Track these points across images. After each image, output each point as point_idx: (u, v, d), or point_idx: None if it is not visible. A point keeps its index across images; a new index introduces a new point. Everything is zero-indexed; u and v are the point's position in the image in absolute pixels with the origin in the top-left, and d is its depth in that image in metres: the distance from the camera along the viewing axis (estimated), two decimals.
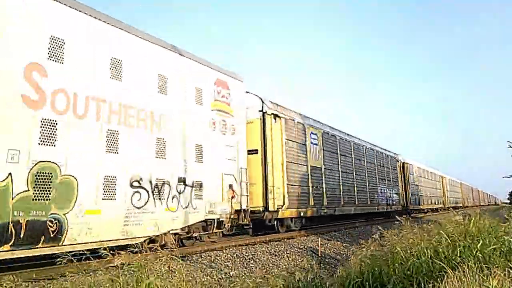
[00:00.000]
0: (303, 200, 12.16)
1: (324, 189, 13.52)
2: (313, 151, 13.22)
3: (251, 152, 10.74)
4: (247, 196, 9.45)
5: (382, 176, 20.22)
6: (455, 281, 3.62)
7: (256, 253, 8.49)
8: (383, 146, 22.15)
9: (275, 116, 11.35)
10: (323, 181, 13.57)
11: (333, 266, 8.25)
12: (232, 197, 8.82)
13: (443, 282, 3.64)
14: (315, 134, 13.62)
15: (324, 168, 13.84)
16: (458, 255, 4.74)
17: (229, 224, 8.76)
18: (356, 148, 17.27)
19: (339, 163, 15.21)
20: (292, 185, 11.58)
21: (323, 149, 14.05)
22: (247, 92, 11.14)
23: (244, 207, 9.26)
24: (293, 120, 12.33)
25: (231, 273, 6.29)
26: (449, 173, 46.69)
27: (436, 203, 33.52)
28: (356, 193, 16.28)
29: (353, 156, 16.71)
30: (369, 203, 17.63)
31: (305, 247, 9.99)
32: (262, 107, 10.91)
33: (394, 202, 21.53)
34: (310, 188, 12.57)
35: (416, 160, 29.34)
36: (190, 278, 4.69)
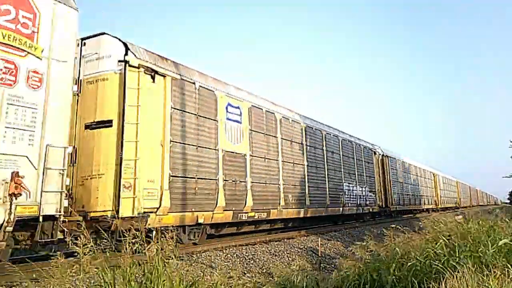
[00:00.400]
0: (207, 200, 8.31)
1: (250, 184, 9.65)
2: (230, 130, 9.35)
3: (101, 124, 6.89)
4: (62, 193, 5.56)
5: (351, 170, 16.35)
6: (454, 281, 3.58)
7: (256, 253, 8.46)
8: (366, 138, 18.33)
9: (154, 72, 7.50)
10: (248, 173, 9.70)
11: (333, 266, 8.07)
12: (14, 195, 4.95)
13: (443, 283, 3.60)
14: (237, 107, 9.75)
15: (252, 156, 9.97)
16: (457, 255, 4.66)
17: (4, 243, 4.87)
18: (311, 133, 13.40)
19: (280, 150, 11.34)
20: (181, 177, 7.72)
21: (252, 130, 10.17)
22: (105, 34, 7.30)
23: (51, 212, 5.39)
24: (193, 82, 8.47)
25: (230, 273, 6.00)
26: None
27: (427, 203, 29.68)
28: (307, 191, 12.40)
29: (305, 142, 12.83)
30: (328, 203, 13.75)
31: (305, 247, 9.92)
32: (125, 56, 7.06)
33: (368, 203, 17.67)
34: (221, 182, 8.70)
35: (401, 154, 25.52)
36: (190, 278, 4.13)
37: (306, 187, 12.40)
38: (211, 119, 8.82)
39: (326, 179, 13.86)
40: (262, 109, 10.81)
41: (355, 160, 16.86)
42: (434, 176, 34.03)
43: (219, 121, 9.03)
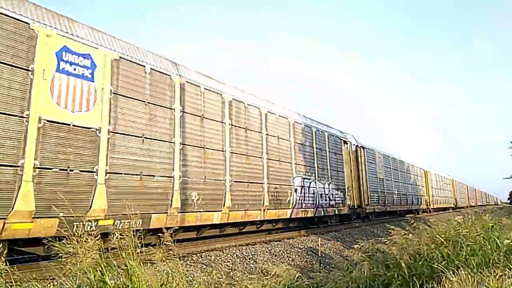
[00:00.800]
0: None
1: (104, 176, 6.20)
2: (65, 90, 5.89)
3: None
4: None
5: (308, 162, 12.89)
6: (454, 282, 3.56)
7: (256, 253, 8.45)
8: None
9: None
10: (102, 158, 6.25)
11: (332, 266, 8.14)
12: None
13: (442, 283, 3.61)
14: (85, 56, 6.28)
15: (113, 132, 6.52)
16: (460, 256, 4.70)
17: None
18: (239, 109, 9.93)
19: (180, 129, 7.89)
20: None
21: (116, 94, 6.72)
22: None
23: None
24: None
25: (230, 273, 6.16)
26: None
27: (416, 203, 26.22)
28: (228, 187, 8.95)
29: (228, 121, 9.38)
30: (267, 204, 10.29)
31: (305, 247, 9.88)
32: None
33: (333, 203, 14.20)
34: (28, 171, 5.25)
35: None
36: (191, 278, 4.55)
37: (227, 181, 8.94)
38: (18, 67, 5.36)
39: (265, 172, 10.40)
40: (143, 66, 7.34)
41: (314, 149, 13.39)
42: (425, 173, 30.59)
43: (38, 72, 5.57)
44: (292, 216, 11.55)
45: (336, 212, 14.44)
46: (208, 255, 7.57)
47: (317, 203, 12.99)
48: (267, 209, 10.32)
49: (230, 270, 6.89)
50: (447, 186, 39.79)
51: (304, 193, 12.29)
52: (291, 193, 11.52)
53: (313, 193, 12.83)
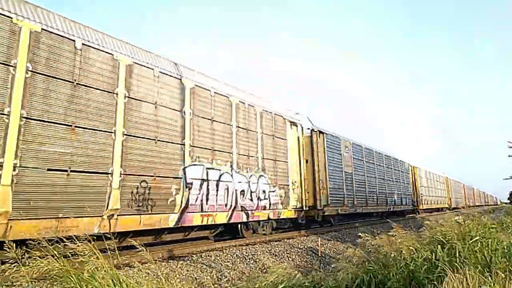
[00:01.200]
0: None
1: None
2: None
3: None
4: None
5: (221, 146, 8.98)
6: (456, 282, 3.44)
7: (256, 253, 8.35)
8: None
9: None
10: None
11: (332, 266, 7.62)
12: None
13: (442, 284, 3.50)
14: None
15: None
16: (458, 256, 4.66)
17: None
18: (62, 54, 6.04)
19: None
20: None
21: None
22: None
23: None
24: None
25: (230, 273, 6.03)
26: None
27: (398, 203, 22.32)
28: (11, 177, 5.05)
29: (26, 68, 5.49)
30: (117, 205, 6.36)
31: (305, 247, 9.76)
32: None
33: (267, 204, 10.29)
34: None
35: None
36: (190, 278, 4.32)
37: (8, 167, 5.05)
38: None
39: (116, 155, 6.47)
40: None
41: (233, 128, 9.48)
42: (412, 170, 26.69)
43: None
44: (182, 224, 7.65)
45: (272, 216, 10.53)
46: (208, 255, 7.51)
47: (235, 204, 9.07)
48: (119, 215, 6.41)
49: (230, 270, 6.79)
50: (440, 184, 35.89)
51: (209, 190, 8.38)
52: (178, 189, 7.61)
53: (227, 190, 8.93)
